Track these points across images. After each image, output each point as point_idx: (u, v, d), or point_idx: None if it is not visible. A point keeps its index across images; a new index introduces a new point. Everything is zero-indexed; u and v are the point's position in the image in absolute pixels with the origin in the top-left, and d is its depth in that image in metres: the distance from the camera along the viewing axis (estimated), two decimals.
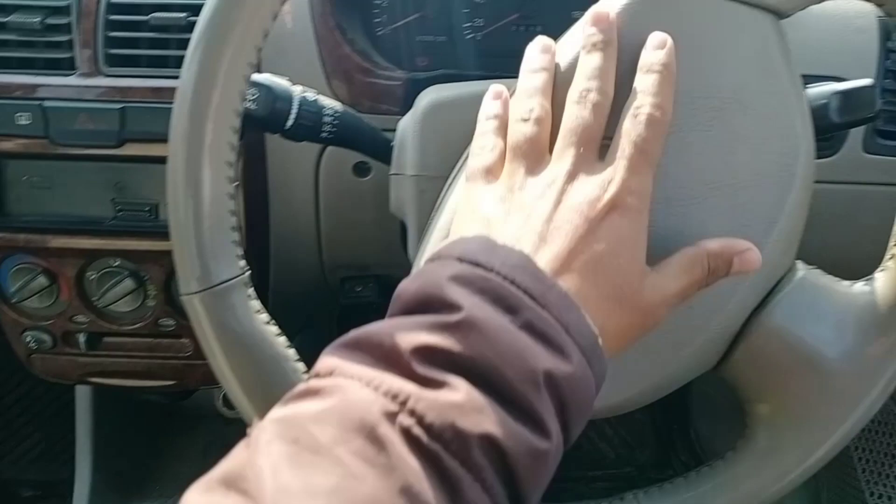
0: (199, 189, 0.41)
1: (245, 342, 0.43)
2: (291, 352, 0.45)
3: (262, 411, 0.43)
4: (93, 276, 0.72)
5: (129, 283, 0.71)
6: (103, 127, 0.65)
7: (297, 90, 0.52)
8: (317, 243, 0.73)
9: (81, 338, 0.75)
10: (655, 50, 0.39)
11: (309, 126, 0.52)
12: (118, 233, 0.69)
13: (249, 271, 0.44)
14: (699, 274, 0.39)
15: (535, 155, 0.38)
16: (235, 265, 0.43)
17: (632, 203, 0.36)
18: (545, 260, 0.35)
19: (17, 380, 1.27)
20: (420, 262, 0.45)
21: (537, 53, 0.42)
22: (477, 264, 0.32)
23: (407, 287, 0.33)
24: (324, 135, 0.54)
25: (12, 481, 1.17)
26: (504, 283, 0.31)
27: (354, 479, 0.24)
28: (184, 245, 0.42)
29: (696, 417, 1.22)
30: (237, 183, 0.43)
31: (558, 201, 0.36)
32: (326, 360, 0.30)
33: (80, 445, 0.90)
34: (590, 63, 0.39)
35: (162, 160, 0.63)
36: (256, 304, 0.44)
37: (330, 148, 0.67)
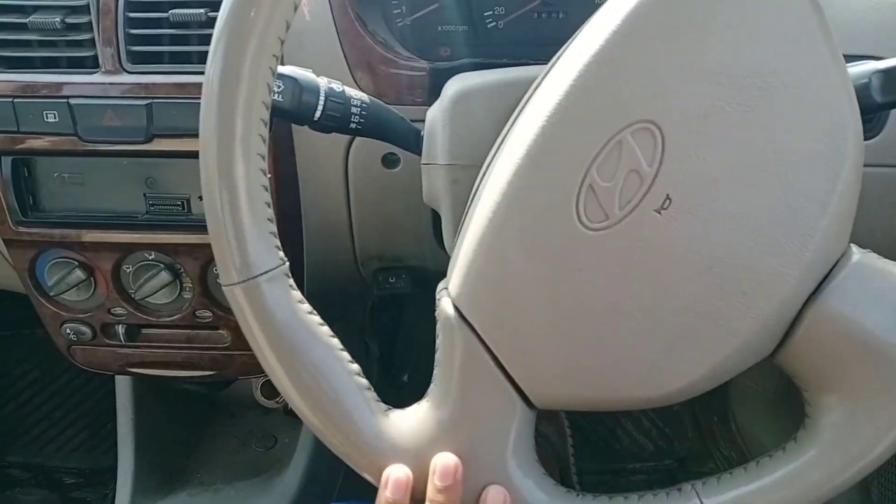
0: (233, 182, 0.41)
1: (289, 332, 0.43)
2: (336, 341, 0.45)
3: (309, 400, 0.44)
4: (129, 270, 0.73)
5: (164, 276, 0.72)
6: (130, 123, 0.65)
7: (324, 81, 0.51)
8: (349, 235, 0.73)
9: (120, 329, 0.76)
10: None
11: (337, 117, 0.52)
12: (152, 227, 0.70)
13: (288, 262, 0.44)
14: None
15: None
16: (275, 256, 0.43)
17: None
18: None
19: (58, 371, 1.31)
20: (457, 252, 0.44)
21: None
22: None
23: None
24: (353, 126, 0.53)
25: (55, 469, 1.20)
26: None
27: None
28: (222, 237, 0.42)
29: (736, 409, 1.19)
30: (270, 175, 0.43)
31: None
32: None
33: (122, 435, 0.92)
34: None
35: (191, 155, 0.64)
36: (298, 294, 0.44)
37: (358, 140, 0.66)
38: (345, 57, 0.65)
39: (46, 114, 0.65)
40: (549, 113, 0.42)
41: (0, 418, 1.25)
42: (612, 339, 0.42)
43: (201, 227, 0.69)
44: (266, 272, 0.43)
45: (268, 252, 0.43)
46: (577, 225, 0.41)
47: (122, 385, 0.92)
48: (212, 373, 0.80)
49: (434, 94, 0.54)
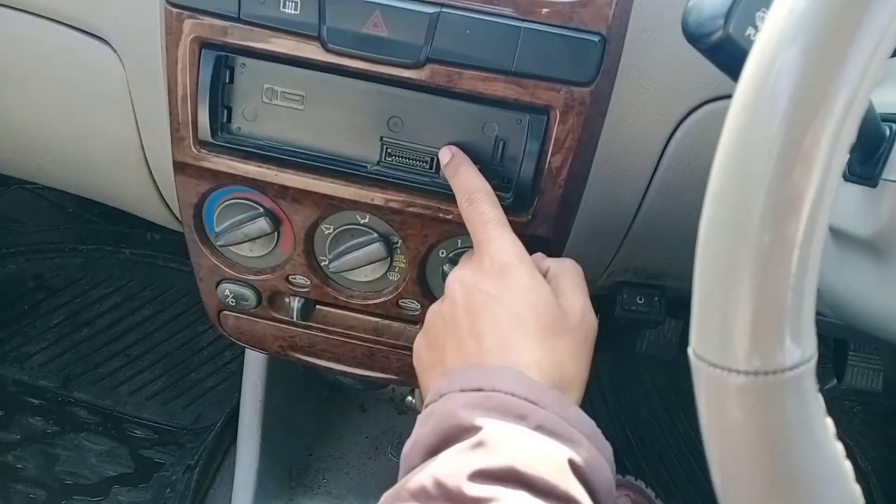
0: (793, 218, 0.23)
1: (803, 459, 0.25)
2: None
3: None
4: (329, 231, 0.54)
5: (375, 249, 0.54)
6: (401, 37, 0.46)
7: None
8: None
9: (295, 303, 0.58)
10: None
11: None
12: (380, 183, 0.51)
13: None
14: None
15: None
16: (812, 341, 0.25)
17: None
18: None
19: (141, 301, 1.14)
20: None
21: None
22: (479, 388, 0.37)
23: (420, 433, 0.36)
24: None
25: (126, 417, 1.04)
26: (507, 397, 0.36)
27: None
28: (738, 297, 0.23)
29: None
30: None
31: None
32: None
33: (246, 422, 0.73)
34: None
35: (471, 98, 0.46)
36: (821, 399, 0.26)
37: None
38: None
39: (285, 1, 0.46)
40: None
41: (70, 344, 1.09)
42: None
43: (447, 197, 0.50)
44: (797, 366, 0.24)
45: (808, 334, 0.25)
46: None
47: (256, 361, 0.74)
48: (396, 377, 0.62)
49: None
